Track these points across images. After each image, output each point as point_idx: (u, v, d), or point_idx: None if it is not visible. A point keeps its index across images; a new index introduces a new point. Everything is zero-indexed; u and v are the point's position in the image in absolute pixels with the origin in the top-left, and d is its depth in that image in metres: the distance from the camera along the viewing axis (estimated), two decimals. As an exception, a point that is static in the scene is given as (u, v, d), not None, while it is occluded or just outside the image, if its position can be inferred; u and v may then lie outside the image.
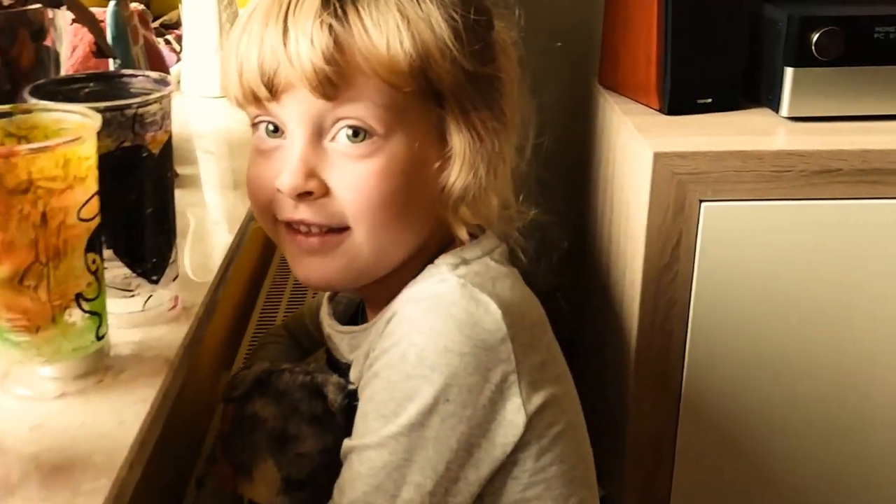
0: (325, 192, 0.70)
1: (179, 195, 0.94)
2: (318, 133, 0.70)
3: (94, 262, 0.60)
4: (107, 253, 0.68)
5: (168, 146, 0.69)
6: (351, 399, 0.76)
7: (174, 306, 0.73)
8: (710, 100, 1.56)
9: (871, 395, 1.50)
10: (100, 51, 0.72)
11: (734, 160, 1.40)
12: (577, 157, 1.94)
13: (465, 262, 0.74)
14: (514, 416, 0.71)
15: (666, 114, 1.54)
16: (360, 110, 0.69)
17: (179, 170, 1.05)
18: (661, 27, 1.51)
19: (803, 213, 1.42)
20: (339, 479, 0.71)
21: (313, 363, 0.85)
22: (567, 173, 2.00)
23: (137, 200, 0.67)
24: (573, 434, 0.77)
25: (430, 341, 0.67)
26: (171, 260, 0.71)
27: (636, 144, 1.48)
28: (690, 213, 1.42)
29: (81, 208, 0.58)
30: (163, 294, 0.72)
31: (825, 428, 1.52)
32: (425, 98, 0.71)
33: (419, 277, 0.73)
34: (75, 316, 0.60)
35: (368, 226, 0.71)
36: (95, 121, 0.59)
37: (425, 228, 0.75)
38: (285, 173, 0.70)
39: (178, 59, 1.37)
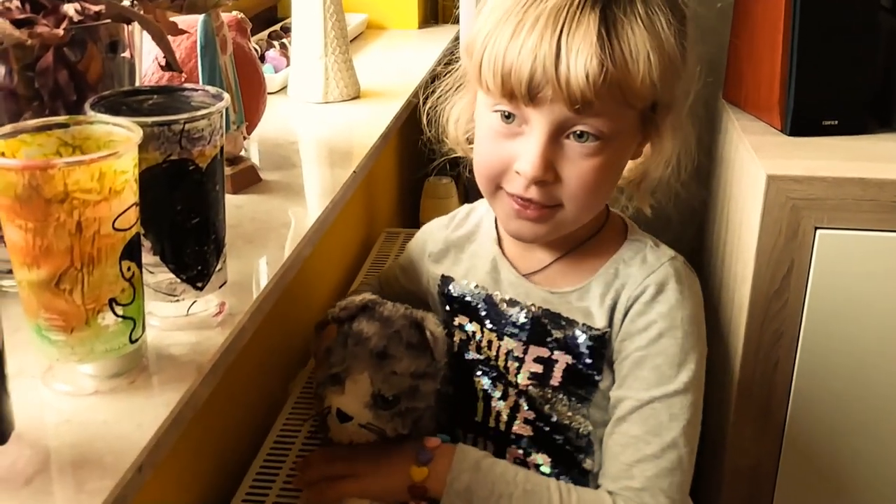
0: (556, 179, 0.84)
1: (271, 199, 0.99)
2: (558, 132, 0.82)
3: (129, 269, 0.63)
4: (154, 259, 0.71)
5: (216, 161, 0.71)
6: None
7: (219, 312, 0.76)
8: (836, 122, 1.47)
9: None
10: (168, 65, 0.76)
11: (853, 187, 1.33)
12: (700, 170, 1.88)
13: (655, 241, 0.94)
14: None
15: (788, 134, 1.47)
16: (600, 122, 0.81)
17: (278, 174, 1.09)
18: (787, 44, 1.44)
19: (928, 248, 1.33)
20: (644, 424, 0.86)
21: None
22: (693, 186, 1.95)
23: (183, 211, 0.70)
24: None
25: (692, 307, 0.89)
26: (216, 269, 0.74)
27: (751, 165, 1.42)
28: (804, 239, 1.36)
29: (117, 219, 0.61)
30: (208, 300, 0.75)
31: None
32: (645, 108, 0.85)
33: (633, 250, 0.92)
34: (108, 319, 0.63)
35: (579, 205, 0.86)
36: (136, 136, 0.62)
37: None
38: (526, 162, 0.82)
39: (288, 63, 1.42)
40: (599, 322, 0.89)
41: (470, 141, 0.95)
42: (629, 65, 0.79)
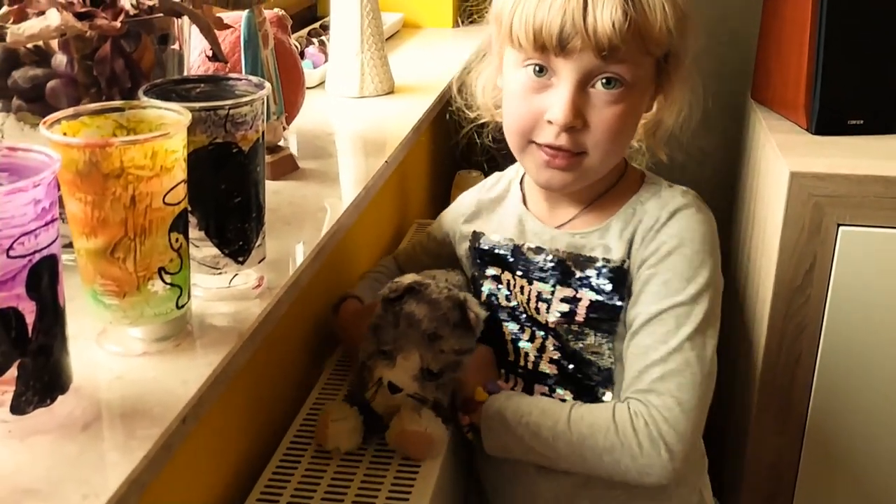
0: (584, 126, 0.92)
1: (308, 185, 1.05)
2: (586, 81, 0.91)
3: (177, 241, 0.69)
4: (199, 234, 0.77)
5: (258, 144, 0.77)
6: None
7: (258, 285, 0.81)
8: (861, 121, 1.49)
9: None
10: (214, 56, 0.82)
11: (876, 185, 1.35)
12: (728, 169, 1.90)
13: (670, 184, 1.01)
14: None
15: (813, 133, 1.50)
16: (623, 68, 0.91)
17: (315, 163, 1.14)
18: (814, 45, 1.46)
19: (950, 245, 1.35)
20: (651, 335, 0.93)
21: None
22: (719, 182, 1.97)
23: (226, 190, 0.76)
24: None
25: (704, 230, 0.96)
26: (256, 244, 0.79)
27: (776, 162, 1.45)
28: (827, 236, 1.38)
29: (167, 194, 0.67)
30: (248, 274, 0.81)
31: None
32: (660, 56, 0.94)
33: (649, 192, 1.00)
34: (157, 286, 0.69)
35: (603, 151, 0.94)
36: (185, 119, 0.68)
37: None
38: (557, 110, 0.91)
39: (326, 59, 1.47)
40: (617, 254, 0.97)
41: (497, 105, 1.04)
42: (647, 14, 0.89)
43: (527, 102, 0.94)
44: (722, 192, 1.95)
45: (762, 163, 1.59)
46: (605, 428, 0.91)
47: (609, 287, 0.98)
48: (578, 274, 0.99)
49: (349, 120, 1.34)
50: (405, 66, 1.58)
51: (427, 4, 1.90)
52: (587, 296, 0.99)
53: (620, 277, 0.97)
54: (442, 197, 1.73)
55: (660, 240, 0.96)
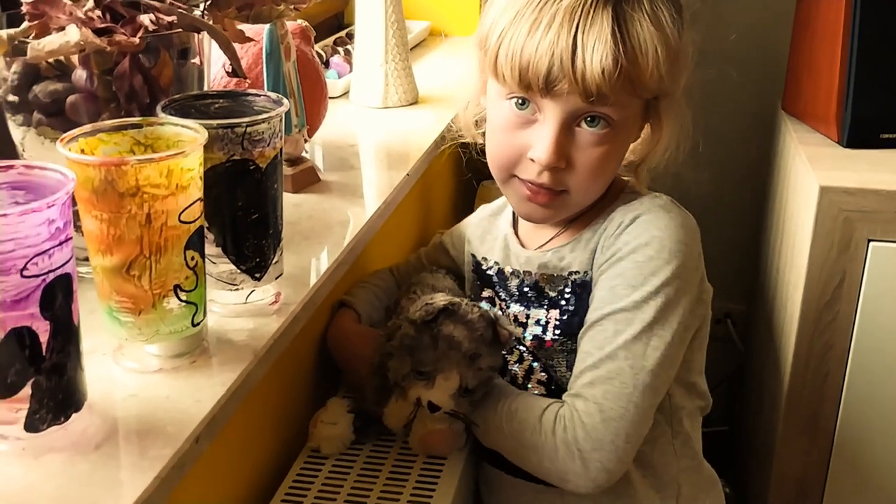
0: (568, 165, 0.90)
1: (329, 198, 1.05)
2: (571, 121, 0.88)
3: (192, 258, 0.69)
4: (216, 250, 0.77)
5: (275, 161, 0.76)
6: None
7: (275, 301, 0.81)
8: (894, 135, 1.47)
9: None
10: (233, 71, 0.82)
11: (908, 200, 1.33)
12: (759, 180, 1.88)
13: (654, 193, 0.97)
14: (706, 294, 0.97)
15: (844, 146, 1.47)
16: (610, 109, 0.88)
17: (337, 175, 1.14)
18: (846, 56, 1.44)
19: (984, 263, 1.32)
20: (591, 341, 0.90)
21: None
22: (749, 194, 1.95)
23: (243, 207, 0.76)
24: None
25: (665, 235, 0.90)
26: (273, 261, 0.79)
27: (805, 176, 1.43)
28: (857, 252, 1.36)
29: (182, 212, 0.67)
30: (266, 289, 0.81)
31: None
32: (650, 97, 0.91)
33: (623, 201, 0.96)
34: (173, 304, 0.69)
35: (585, 190, 0.93)
36: (202, 137, 0.68)
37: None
38: (541, 150, 0.89)
39: (351, 69, 1.47)
40: (581, 266, 0.95)
41: (478, 125, 1.02)
42: (639, 59, 0.85)
43: (510, 137, 0.92)
44: (752, 204, 1.93)
45: (792, 176, 1.57)
46: (532, 427, 0.89)
47: (574, 304, 0.96)
48: (550, 293, 0.98)
49: (373, 131, 1.33)
50: (431, 76, 1.58)
51: (454, 13, 1.89)
52: (554, 316, 0.97)
53: (584, 292, 0.95)
54: (466, 208, 1.72)
55: (616, 245, 0.92)
